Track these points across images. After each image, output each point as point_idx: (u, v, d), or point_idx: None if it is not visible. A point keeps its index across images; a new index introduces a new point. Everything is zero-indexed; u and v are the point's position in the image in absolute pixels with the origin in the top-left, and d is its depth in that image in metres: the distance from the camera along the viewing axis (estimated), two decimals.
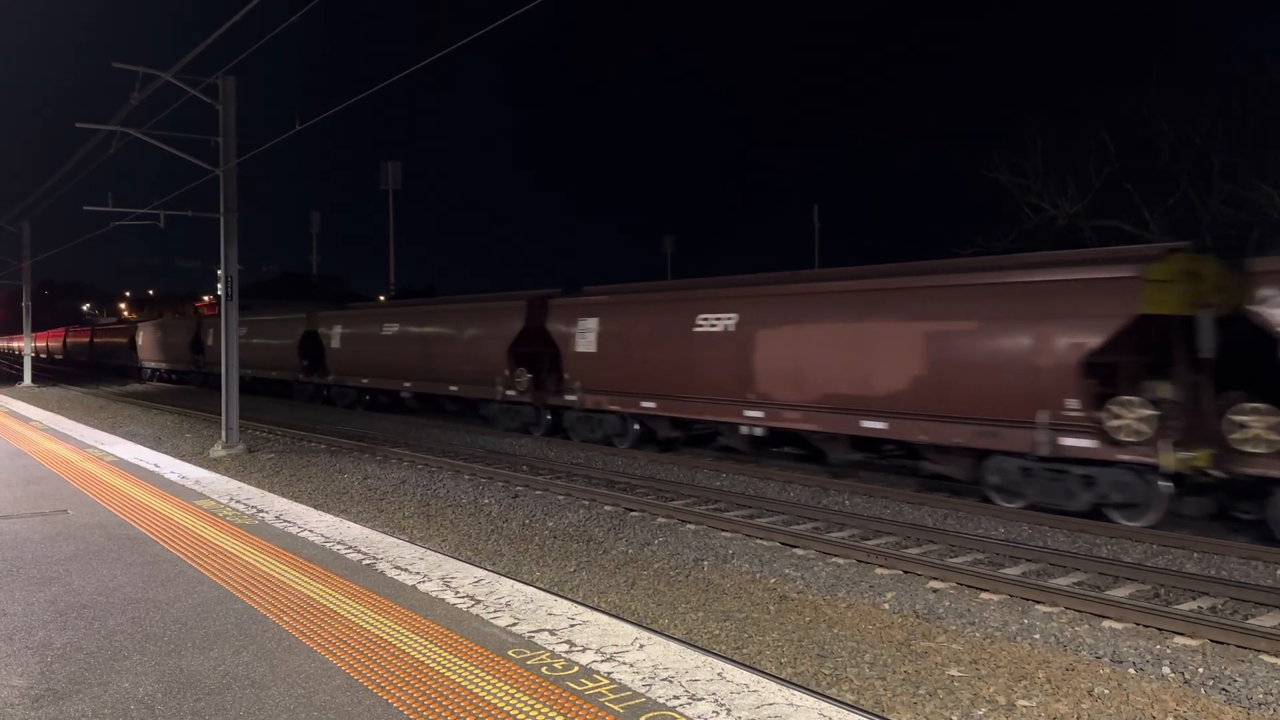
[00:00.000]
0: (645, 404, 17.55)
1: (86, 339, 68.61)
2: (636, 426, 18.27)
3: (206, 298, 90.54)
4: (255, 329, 34.63)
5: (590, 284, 20.61)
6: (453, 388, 23.30)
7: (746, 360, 15.45)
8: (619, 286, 19.54)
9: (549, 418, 20.55)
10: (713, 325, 16.10)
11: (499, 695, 4.35)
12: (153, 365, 48.09)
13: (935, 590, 8.83)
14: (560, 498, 13.58)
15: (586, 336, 18.75)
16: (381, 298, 58.13)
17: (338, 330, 28.76)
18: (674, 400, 17.01)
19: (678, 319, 16.81)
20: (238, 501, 9.80)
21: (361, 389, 28.48)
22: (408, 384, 25.26)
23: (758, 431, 15.70)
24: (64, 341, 79.74)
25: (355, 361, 27.88)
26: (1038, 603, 8.39)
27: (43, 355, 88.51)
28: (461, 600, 5.93)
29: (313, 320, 30.81)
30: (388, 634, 5.28)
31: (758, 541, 10.77)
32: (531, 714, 4.14)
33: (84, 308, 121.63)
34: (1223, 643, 7.33)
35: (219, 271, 19.26)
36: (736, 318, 15.73)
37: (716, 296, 16.44)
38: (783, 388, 15.01)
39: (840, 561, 9.88)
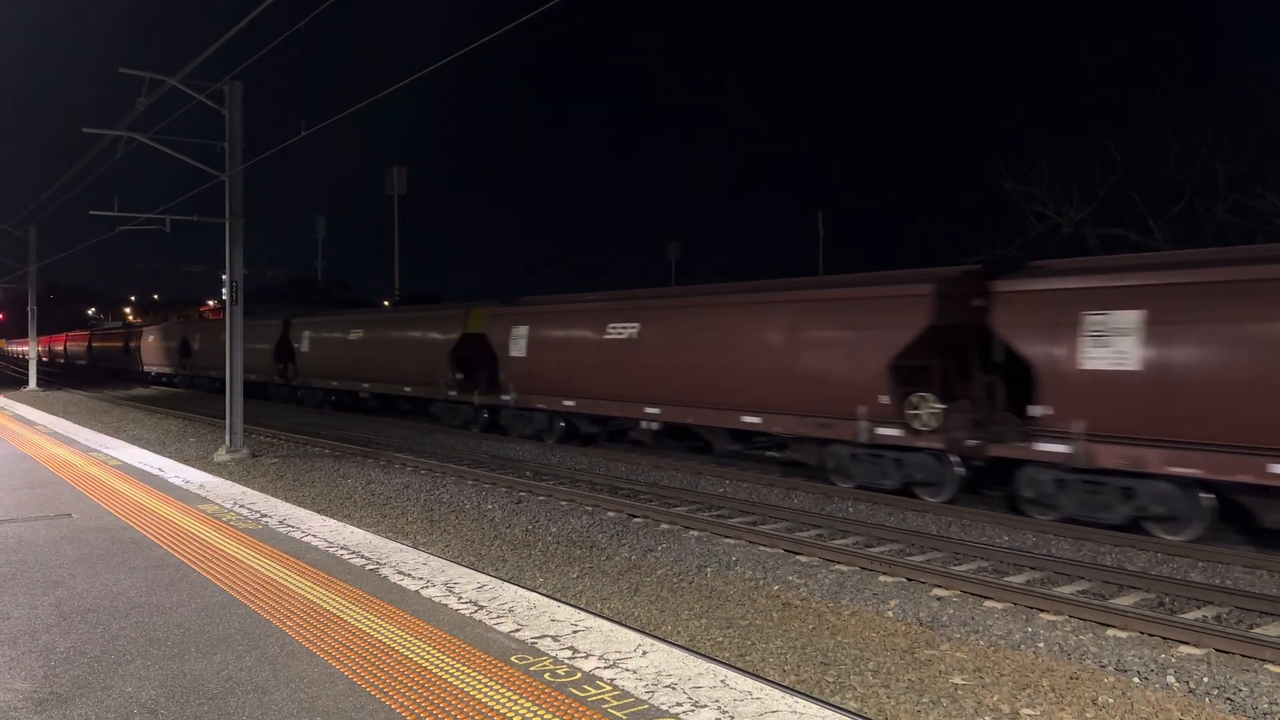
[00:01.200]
0: None
1: (120, 343, 57.25)
2: (1209, 499, 10.82)
3: (211, 302, 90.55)
4: (376, 330, 27.54)
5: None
6: (750, 419, 15.64)
7: None
8: (1175, 256, 12.32)
9: (961, 472, 13.06)
10: None
11: (502, 701, 4.35)
12: (213, 375, 38.19)
13: (939, 598, 8.81)
14: (563, 504, 13.58)
15: (1109, 344, 11.14)
16: (386, 303, 58.00)
17: (521, 333, 21.02)
18: None
19: None
20: (241, 506, 9.81)
21: (559, 414, 20.34)
22: (655, 410, 17.53)
23: None
24: (88, 345, 68.58)
25: (553, 376, 19.92)
26: (1042, 611, 8.37)
27: (60, 360, 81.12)
28: (465, 606, 5.93)
29: (476, 319, 22.88)
30: (391, 639, 5.28)
31: (761, 548, 10.76)
32: None
33: (89, 311, 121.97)
34: (1228, 652, 7.30)
35: (224, 276, 19.27)
36: None
37: None
38: None
39: (844, 569, 9.87)
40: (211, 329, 41.21)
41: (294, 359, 32.15)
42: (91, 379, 55.61)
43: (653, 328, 17.69)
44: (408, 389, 25.65)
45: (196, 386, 42.65)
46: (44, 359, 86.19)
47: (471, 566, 8.65)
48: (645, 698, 4.37)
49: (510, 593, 6.27)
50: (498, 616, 5.69)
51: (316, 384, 31.26)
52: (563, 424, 20.49)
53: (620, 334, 18.19)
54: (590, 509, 13.14)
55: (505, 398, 21.44)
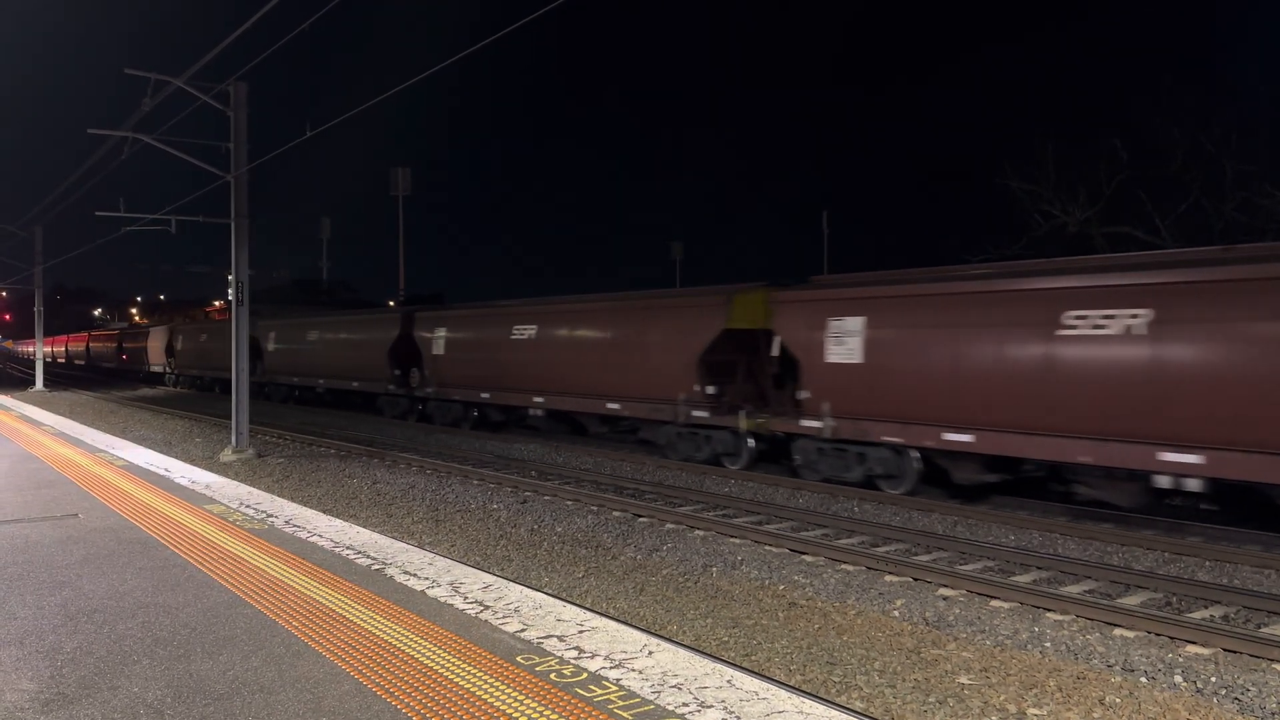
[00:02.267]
0: None
1: (155, 344, 49.80)
2: None
3: (217, 303, 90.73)
4: (556, 326, 20.62)
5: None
6: None
7: None
8: None
9: None
10: None
11: (507, 701, 4.35)
12: (296, 382, 32.67)
13: (945, 598, 8.79)
14: (569, 503, 13.57)
15: None
16: (391, 303, 58.02)
17: (848, 328, 14.30)
18: None
19: None
20: (247, 506, 9.82)
21: (914, 450, 13.73)
22: (1188, 458, 10.68)
23: None
24: (118, 346, 60.82)
25: (921, 395, 13.33)
26: (1048, 611, 8.35)
27: (78, 362, 76.64)
28: (470, 606, 5.92)
29: (747, 308, 16.16)
30: (396, 639, 5.28)
31: (766, 548, 10.74)
32: None
33: (95, 312, 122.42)
34: (1235, 652, 7.28)
35: (230, 276, 19.30)
36: None
37: None
38: None
39: (849, 568, 9.85)
40: (291, 329, 32.93)
41: (420, 364, 25.60)
42: (96, 380, 55.69)
43: (1190, 318, 10.80)
44: (613, 405, 18.68)
45: (269, 397, 35.05)
46: (60, 360, 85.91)
47: (477, 566, 8.66)
48: (651, 698, 4.36)
49: (516, 592, 6.26)
50: (503, 616, 5.69)
51: (456, 395, 24.28)
52: (918, 459, 13.81)
53: (1100, 329, 11.46)
54: (595, 509, 13.13)
55: (809, 423, 14.87)
